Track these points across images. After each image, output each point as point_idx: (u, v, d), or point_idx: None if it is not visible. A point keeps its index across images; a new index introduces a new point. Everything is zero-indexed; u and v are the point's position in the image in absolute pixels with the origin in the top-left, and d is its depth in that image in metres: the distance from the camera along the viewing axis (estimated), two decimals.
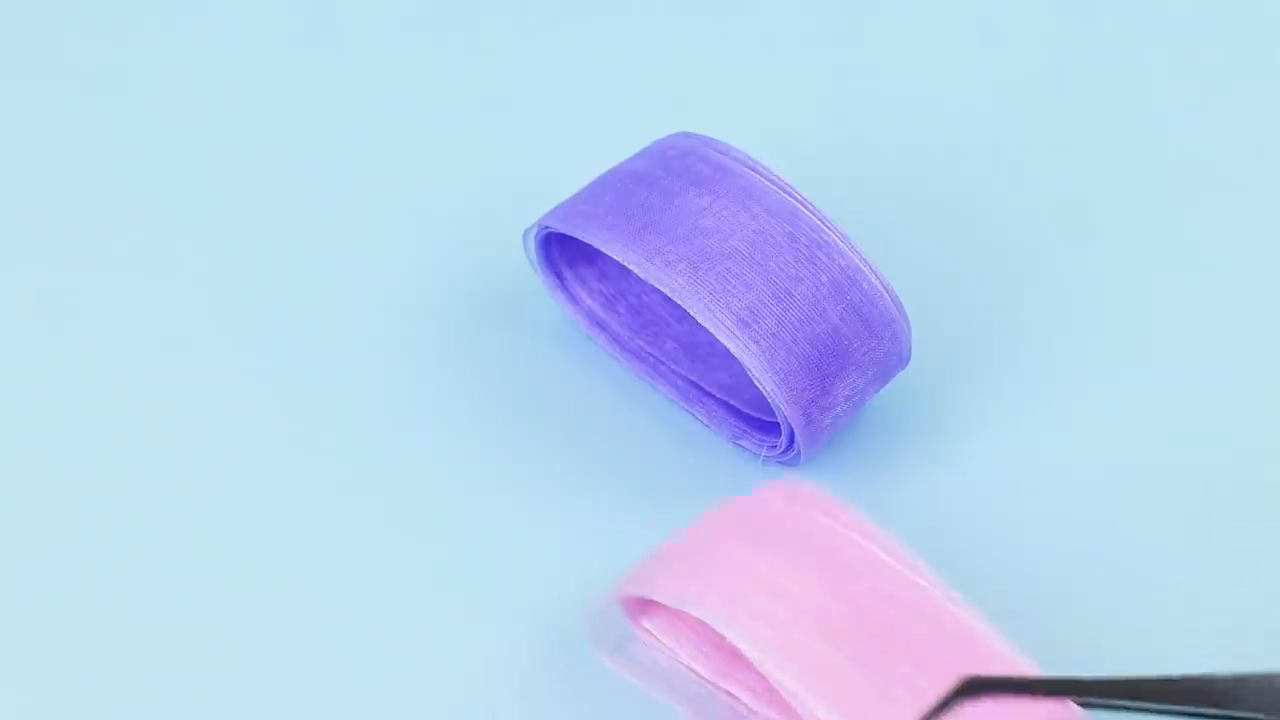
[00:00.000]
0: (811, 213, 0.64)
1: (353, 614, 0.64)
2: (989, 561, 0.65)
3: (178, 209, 0.77)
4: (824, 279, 0.64)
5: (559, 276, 0.71)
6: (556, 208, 0.68)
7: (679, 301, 0.63)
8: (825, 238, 0.64)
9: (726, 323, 0.63)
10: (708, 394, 0.69)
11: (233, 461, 0.68)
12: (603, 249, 0.65)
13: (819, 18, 0.86)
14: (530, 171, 0.77)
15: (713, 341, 0.66)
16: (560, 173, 0.72)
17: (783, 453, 0.66)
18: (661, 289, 0.64)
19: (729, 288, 0.63)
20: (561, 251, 0.70)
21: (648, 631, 0.62)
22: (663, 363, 0.70)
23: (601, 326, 0.70)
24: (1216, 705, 0.55)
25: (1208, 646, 0.63)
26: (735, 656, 0.60)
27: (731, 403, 0.68)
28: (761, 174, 0.65)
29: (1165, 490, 0.67)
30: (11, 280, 0.74)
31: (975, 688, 0.56)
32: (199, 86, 0.82)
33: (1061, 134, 0.80)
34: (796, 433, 0.64)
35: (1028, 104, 0.82)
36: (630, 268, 0.64)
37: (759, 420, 0.68)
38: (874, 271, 0.64)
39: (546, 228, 0.68)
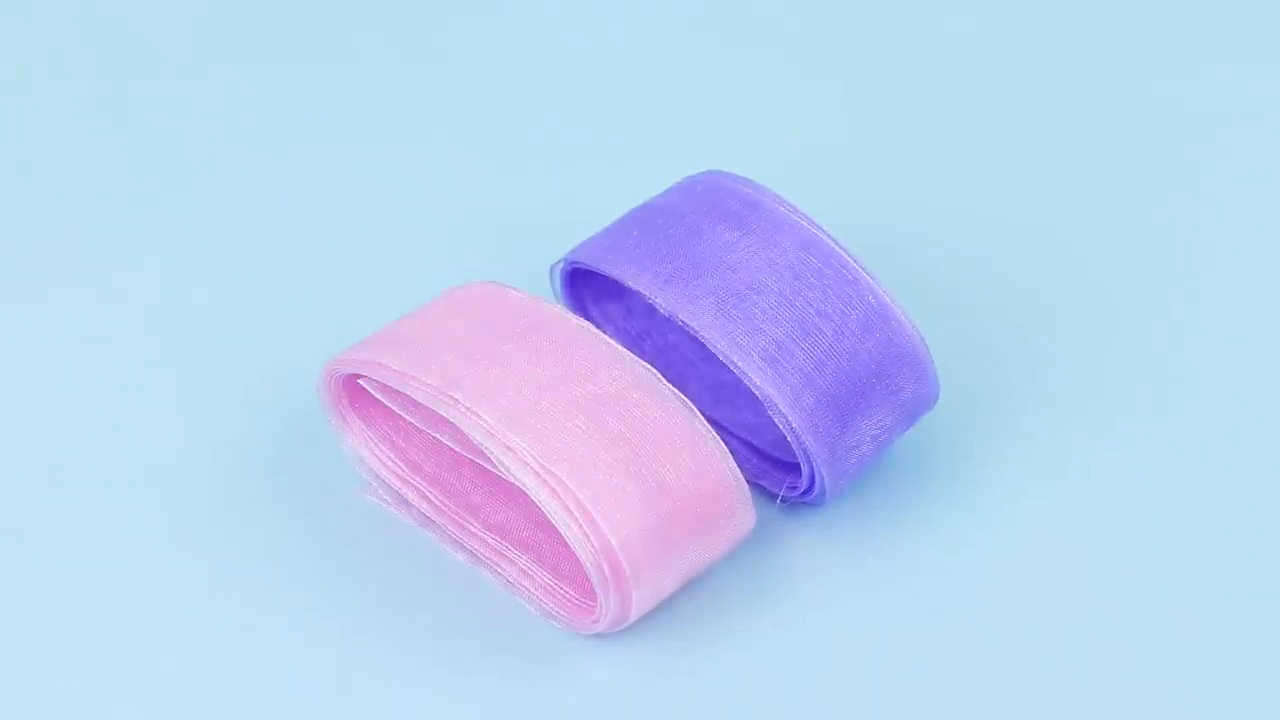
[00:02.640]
0: (841, 250, 0.64)
1: None
2: (1009, 606, 0.64)
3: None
4: (853, 316, 0.63)
5: (584, 312, 0.70)
6: (583, 243, 0.68)
7: (704, 337, 0.63)
8: (854, 275, 0.64)
9: (753, 359, 0.63)
10: (730, 434, 0.68)
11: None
12: (628, 283, 0.65)
13: (850, 63, 0.86)
14: (555, 208, 0.77)
15: (737, 382, 0.65)
16: (586, 210, 0.72)
17: (804, 493, 0.65)
18: (687, 324, 0.63)
19: (756, 323, 0.63)
20: (588, 287, 0.70)
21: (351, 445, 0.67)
22: None
23: None
24: None
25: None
26: (422, 455, 0.66)
27: (754, 442, 0.68)
28: (788, 209, 0.65)
29: (1187, 540, 0.66)
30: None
31: None
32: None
33: (1094, 180, 0.80)
34: (822, 471, 0.63)
35: (1058, 151, 0.81)
36: (655, 302, 0.64)
37: (780, 460, 0.67)
38: (902, 311, 0.64)
39: (573, 263, 0.68)
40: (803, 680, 0.62)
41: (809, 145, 0.82)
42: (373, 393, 0.65)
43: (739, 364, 0.63)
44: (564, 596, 0.63)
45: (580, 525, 0.59)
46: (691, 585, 0.64)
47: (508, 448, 0.60)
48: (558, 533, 0.61)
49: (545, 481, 0.59)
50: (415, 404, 0.63)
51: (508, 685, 0.62)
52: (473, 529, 0.65)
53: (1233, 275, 0.76)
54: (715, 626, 0.63)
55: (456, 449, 0.63)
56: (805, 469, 0.64)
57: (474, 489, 0.66)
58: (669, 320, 0.64)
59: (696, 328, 0.63)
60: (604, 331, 0.69)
